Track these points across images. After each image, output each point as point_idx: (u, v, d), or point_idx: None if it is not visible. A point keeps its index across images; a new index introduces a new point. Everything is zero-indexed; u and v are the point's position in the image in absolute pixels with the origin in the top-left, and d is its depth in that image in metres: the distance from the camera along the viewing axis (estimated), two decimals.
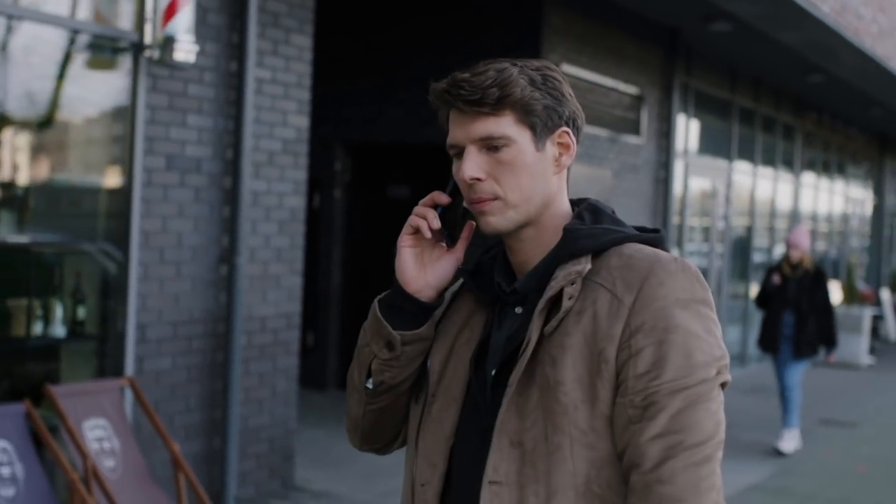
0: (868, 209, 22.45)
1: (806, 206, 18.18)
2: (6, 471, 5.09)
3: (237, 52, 6.47)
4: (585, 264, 1.80)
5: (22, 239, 5.85)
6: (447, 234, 1.95)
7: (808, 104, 17.03)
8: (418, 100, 9.89)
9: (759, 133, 15.49)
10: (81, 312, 5.91)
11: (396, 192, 10.78)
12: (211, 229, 6.43)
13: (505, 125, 1.82)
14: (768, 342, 9.74)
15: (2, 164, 5.77)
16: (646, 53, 11.68)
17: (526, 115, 1.84)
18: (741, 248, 15.39)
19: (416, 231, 1.93)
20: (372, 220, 10.94)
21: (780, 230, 16.87)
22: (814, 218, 18.74)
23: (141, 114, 5.97)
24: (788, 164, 16.98)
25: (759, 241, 16.18)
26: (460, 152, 1.84)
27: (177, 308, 6.25)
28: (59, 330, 5.83)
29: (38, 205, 6.01)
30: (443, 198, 1.93)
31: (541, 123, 1.85)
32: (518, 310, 1.86)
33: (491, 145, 1.82)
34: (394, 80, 10.34)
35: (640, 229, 1.91)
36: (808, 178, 18.20)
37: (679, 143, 12.58)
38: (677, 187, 12.71)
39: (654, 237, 1.87)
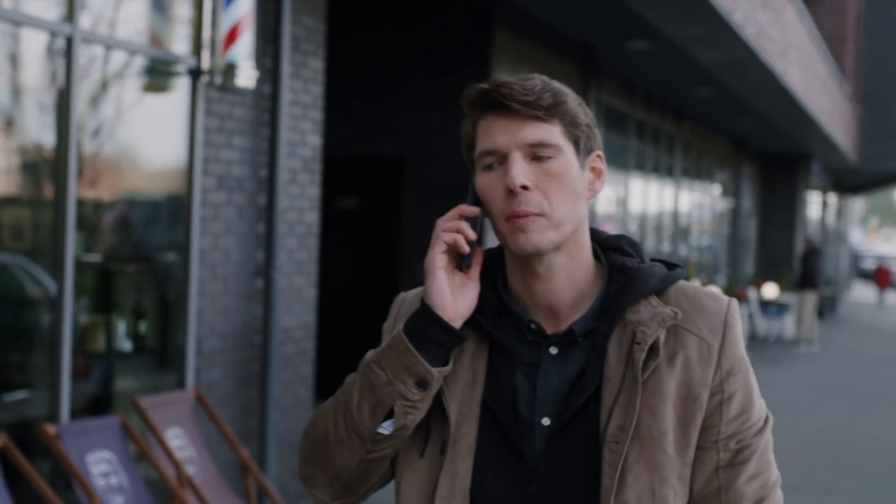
0: (727, 211, 23.74)
1: (682, 209, 19.22)
2: (114, 480, 5.33)
3: (271, 75, 6.79)
4: (664, 307, 1.74)
5: (93, 258, 6.07)
6: (464, 259, 1.76)
7: (687, 115, 18.02)
8: (368, 113, 10.25)
9: (649, 144, 16.38)
10: (144, 327, 6.16)
11: (346, 205, 11.13)
12: (249, 245, 6.74)
13: (555, 134, 1.71)
14: None
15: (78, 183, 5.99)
16: (566, 68, 12.33)
17: (573, 127, 1.73)
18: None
19: (447, 249, 1.73)
20: (322, 232, 11.26)
21: (665, 235, 17.83)
22: (687, 221, 19.81)
23: (199, 136, 6.25)
24: (669, 171, 17.94)
25: (650, 245, 17.08)
26: (499, 160, 1.70)
27: (224, 321, 6.54)
28: (125, 344, 6.07)
29: (106, 223, 6.23)
30: (472, 210, 1.74)
31: (583, 140, 1.75)
32: (553, 350, 1.74)
33: (539, 154, 1.70)
34: (344, 94, 10.70)
35: (661, 261, 1.85)
36: (685, 183, 19.24)
37: None
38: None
39: (683, 272, 1.83)
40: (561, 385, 1.73)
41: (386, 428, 1.72)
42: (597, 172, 1.79)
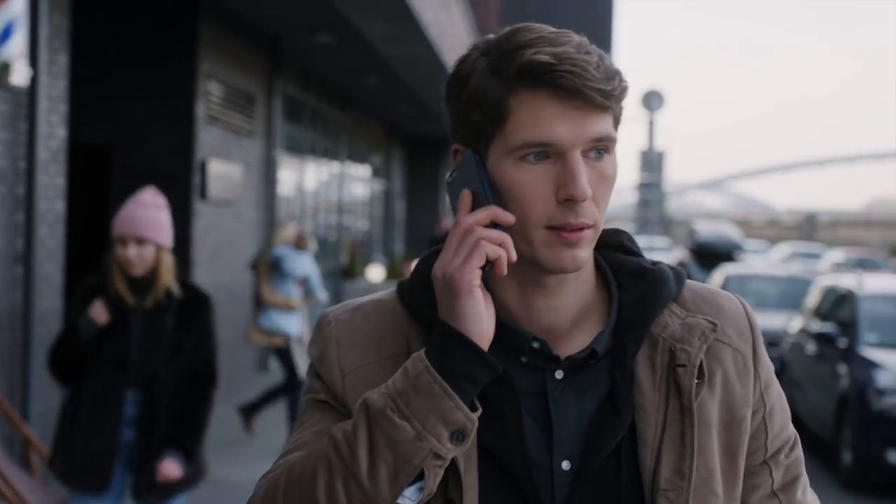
0: (381, 193, 24.97)
1: (346, 192, 20.18)
2: None
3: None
4: (694, 316, 1.51)
5: None
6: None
7: (352, 102, 18.97)
8: (77, 101, 10.34)
9: (321, 131, 17.19)
10: None
11: None
12: (8, 234, 7.00)
13: (611, 125, 1.44)
14: None
15: None
16: (257, 60, 12.90)
17: (620, 115, 1.48)
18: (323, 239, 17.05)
19: (485, 265, 1.41)
20: None
21: (331, 217, 18.73)
22: (350, 203, 20.81)
23: None
24: (336, 156, 18.83)
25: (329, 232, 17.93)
26: (549, 154, 1.41)
27: None
28: None
29: None
30: (508, 217, 1.41)
31: (618, 129, 1.48)
32: (558, 374, 1.46)
33: (597, 150, 1.43)
34: None
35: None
36: (349, 168, 20.22)
37: (278, 141, 13.93)
38: (281, 183, 14.08)
39: (684, 269, 1.58)
40: (582, 419, 1.45)
41: (411, 497, 1.39)
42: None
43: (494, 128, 1.43)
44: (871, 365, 9.49)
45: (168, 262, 4.42)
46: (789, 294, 15.18)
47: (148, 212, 4.40)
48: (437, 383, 1.35)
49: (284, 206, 14.47)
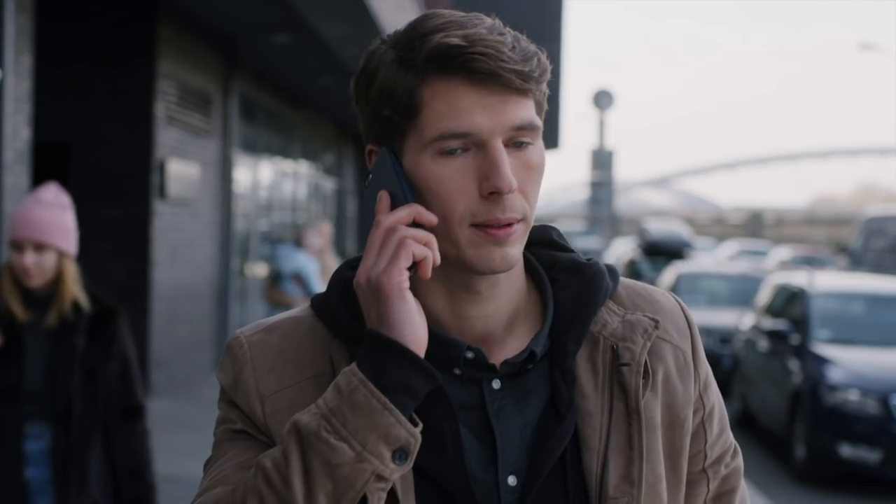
0: (333, 192, 24.99)
1: (300, 191, 20.20)
2: None
3: None
4: (633, 313, 1.43)
5: None
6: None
7: (305, 101, 18.98)
8: (34, 100, 10.29)
9: (275, 131, 17.21)
10: None
11: None
12: None
13: (533, 111, 1.34)
14: None
15: None
16: (214, 60, 12.91)
17: (543, 101, 1.37)
18: (274, 239, 17.07)
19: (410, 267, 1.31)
20: None
21: (286, 216, 18.76)
22: (304, 202, 20.83)
23: None
24: (289, 155, 18.85)
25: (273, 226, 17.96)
26: (468, 146, 1.31)
27: None
28: None
29: None
30: (431, 217, 1.32)
31: (542, 115, 1.38)
32: (496, 384, 1.36)
33: (518, 139, 1.32)
34: None
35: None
36: (302, 167, 20.23)
37: (234, 141, 13.94)
38: (237, 183, 14.10)
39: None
40: (524, 429, 1.36)
41: None
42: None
43: (407, 122, 1.33)
44: (823, 361, 9.72)
45: (73, 271, 3.69)
46: (740, 292, 15.43)
47: (49, 212, 3.66)
48: (375, 397, 1.24)
49: (240, 205, 14.49)
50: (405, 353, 1.27)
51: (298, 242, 9.72)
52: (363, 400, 1.24)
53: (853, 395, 9.17)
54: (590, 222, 29.59)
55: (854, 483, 9.33)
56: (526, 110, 1.32)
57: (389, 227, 1.31)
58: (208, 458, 1.42)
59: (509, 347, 1.39)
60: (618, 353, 1.39)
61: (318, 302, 1.45)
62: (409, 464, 1.27)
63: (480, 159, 1.31)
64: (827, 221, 62.72)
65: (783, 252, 37.59)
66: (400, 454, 1.25)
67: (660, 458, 1.39)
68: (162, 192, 10.81)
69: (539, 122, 1.35)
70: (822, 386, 9.38)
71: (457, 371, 1.37)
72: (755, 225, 65.21)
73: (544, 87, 1.35)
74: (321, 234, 9.52)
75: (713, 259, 32.56)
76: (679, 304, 1.50)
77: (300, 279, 9.16)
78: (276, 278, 9.41)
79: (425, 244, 1.30)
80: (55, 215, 3.68)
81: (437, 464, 1.33)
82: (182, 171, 11.41)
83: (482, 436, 1.36)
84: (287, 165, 18.70)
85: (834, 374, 9.45)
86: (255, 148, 15.63)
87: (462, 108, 1.29)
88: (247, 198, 15.26)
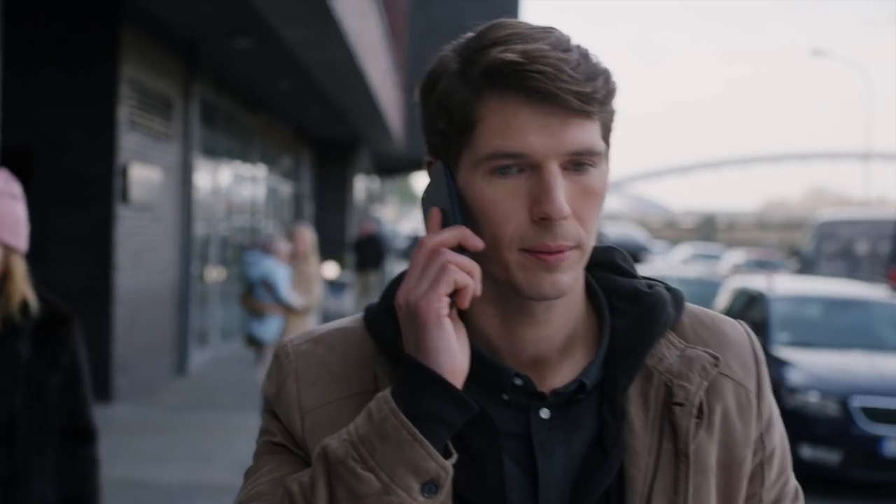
0: (290, 196, 24.94)
1: (258, 196, 20.15)
2: None
3: None
4: (693, 347, 1.37)
5: None
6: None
7: (264, 106, 18.95)
8: None
9: (234, 135, 17.17)
10: None
11: None
12: None
13: (597, 135, 1.27)
14: None
15: None
16: (175, 64, 12.87)
17: (611, 122, 1.31)
18: (237, 242, 17.03)
19: (453, 292, 1.26)
20: None
21: (245, 220, 18.72)
22: (263, 206, 20.78)
23: None
24: (247, 158, 18.81)
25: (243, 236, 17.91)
26: (523, 167, 1.25)
27: None
28: None
29: None
30: (477, 243, 1.27)
31: (609, 137, 1.32)
32: (544, 413, 1.31)
33: (578, 163, 1.26)
34: None
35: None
36: (261, 171, 20.19)
37: (195, 145, 13.90)
38: (197, 187, 14.07)
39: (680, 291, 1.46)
40: (569, 464, 1.31)
41: None
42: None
43: (462, 138, 1.28)
44: (783, 364, 9.85)
45: (22, 269, 3.19)
46: (699, 295, 15.55)
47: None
48: (405, 428, 1.20)
49: (200, 209, 14.45)
50: (439, 383, 1.22)
51: (266, 248, 9.68)
52: (392, 430, 1.20)
53: (813, 398, 9.31)
54: None
55: (815, 484, 9.47)
56: (587, 133, 1.25)
57: (433, 248, 1.26)
58: (249, 467, 1.40)
59: (562, 374, 1.34)
60: (672, 391, 1.33)
61: (369, 313, 1.40)
62: (440, 497, 1.21)
63: (533, 182, 1.25)
64: (778, 225, 63.42)
65: (736, 256, 37.94)
66: (429, 487, 1.20)
67: (710, 501, 1.33)
68: (124, 197, 10.77)
69: (602, 146, 1.28)
70: (783, 388, 9.50)
71: (504, 396, 1.32)
72: (707, 228, 65.80)
73: (611, 107, 1.29)
74: (301, 239, 9.38)
75: (668, 263, 32.83)
76: (749, 336, 1.42)
77: (268, 285, 9.05)
78: (249, 285, 9.34)
79: (468, 272, 1.25)
80: (4, 205, 3.15)
81: (477, 491, 1.28)
82: (144, 176, 11.38)
83: (525, 466, 1.31)
84: (245, 169, 18.66)
85: (794, 377, 9.58)
86: (214, 152, 15.59)
87: (516, 128, 1.23)
88: (207, 202, 15.23)
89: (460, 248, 1.26)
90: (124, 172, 10.75)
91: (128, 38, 10.82)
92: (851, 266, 21.40)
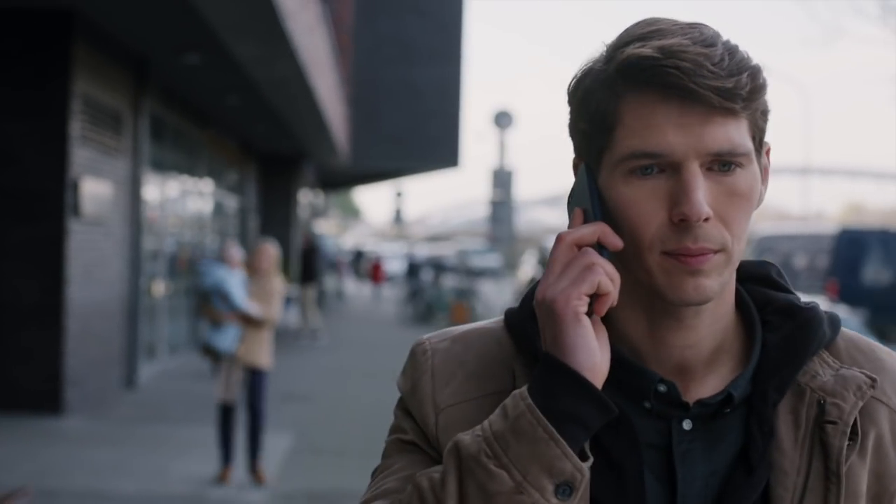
0: (236, 210, 24.98)
1: (205, 210, 20.19)
2: None
3: None
4: (849, 368, 1.31)
5: None
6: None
7: (212, 121, 19.02)
8: None
9: (183, 150, 17.24)
10: None
11: None
12: None
13: (745, 133, 1.22)
14: None
15: None
16: (125, 79, 12.94)
17: (762, 120, 1.26)
18: (185, 256, 17.07)
19: (592, 297, 1.22)
20: None
21: (193, 235, 18.77)
22: (211, 221, 20.83)
23: None
24: (194, 173, 18.86)
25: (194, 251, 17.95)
26: (663, 167, 1.21)
27: None
28: None
29: None
30: (617, 242, 1.22)
31: (762, 135, 1.27)
32: (687, 424, 1.27)
33: (722, 163, 1.21)
34: None
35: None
36: (207, 185, 20.24)
37: (144, 160, 13.96)
38: (146, 202, 14.12)
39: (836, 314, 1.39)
40: (710, 479, 1.27)
41: None
42: (765, 173, 1.31)
43: (602, 138, 1.24)
44: None
45: None
46: None
47: None
48: (542, 426, 1.16)
49: (149, 223, 14.52)
50: (578, 381, 1.18)
51: (220, 257, 9.71)
52: (528, 427, 1.16)
53: None
54: (489, 240, 29.99)
55: None
56: (731, 132, 1.20)
57: (572, 243, 1.22)
58: (377, 466, 1.37)
59: (707, 385, 1.29)
60: (824, 408, 1.27)
61: (510, 314, 1.38)
62: (575, 500, 1.16)
63: (673, 182, 1.21)
64: None
65: None
66: (564, 489, 1.15)
67: None
68: (76, 211, 10.83)
69: (749, 146, 1.22)
70: None
71: (647, 404, 1.28)
72: None
73: (759, 104, 1.23)
74: (265, 256, 9.27)
75: None
76: None
77: (222, 295, 9.01)
78: (205, 295, 9.33)
79: (611, 279, 1.21)
80: None
81: (615, 501, 1.24)
82: (96, 190, 11.45)
83: (664, 478, 1.27)
84: (192, 184, 18.72)
85: None
86: (163, 166, 15.66)
87: (654, 126, 1.19)
88: (155, 217, 15.29)
89: (599, 248, 1.23)
90: (76, 187, 10.82)
91: (80, 54, 10.89)
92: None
